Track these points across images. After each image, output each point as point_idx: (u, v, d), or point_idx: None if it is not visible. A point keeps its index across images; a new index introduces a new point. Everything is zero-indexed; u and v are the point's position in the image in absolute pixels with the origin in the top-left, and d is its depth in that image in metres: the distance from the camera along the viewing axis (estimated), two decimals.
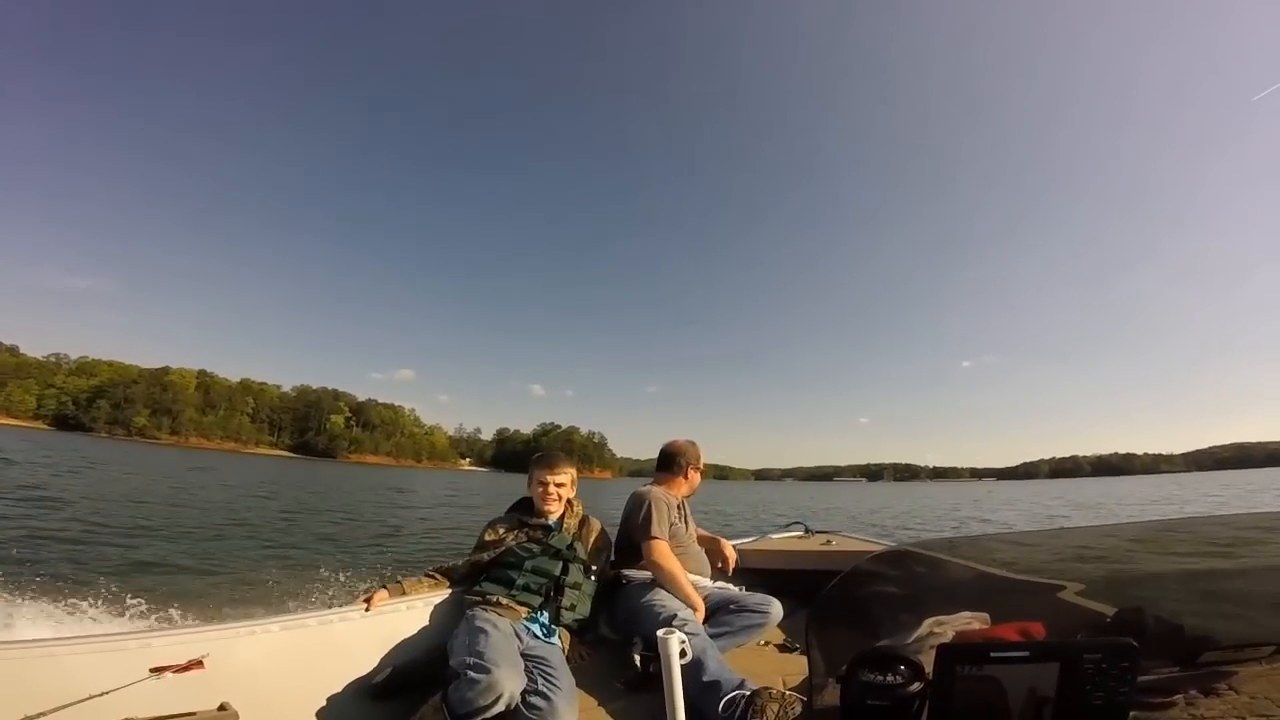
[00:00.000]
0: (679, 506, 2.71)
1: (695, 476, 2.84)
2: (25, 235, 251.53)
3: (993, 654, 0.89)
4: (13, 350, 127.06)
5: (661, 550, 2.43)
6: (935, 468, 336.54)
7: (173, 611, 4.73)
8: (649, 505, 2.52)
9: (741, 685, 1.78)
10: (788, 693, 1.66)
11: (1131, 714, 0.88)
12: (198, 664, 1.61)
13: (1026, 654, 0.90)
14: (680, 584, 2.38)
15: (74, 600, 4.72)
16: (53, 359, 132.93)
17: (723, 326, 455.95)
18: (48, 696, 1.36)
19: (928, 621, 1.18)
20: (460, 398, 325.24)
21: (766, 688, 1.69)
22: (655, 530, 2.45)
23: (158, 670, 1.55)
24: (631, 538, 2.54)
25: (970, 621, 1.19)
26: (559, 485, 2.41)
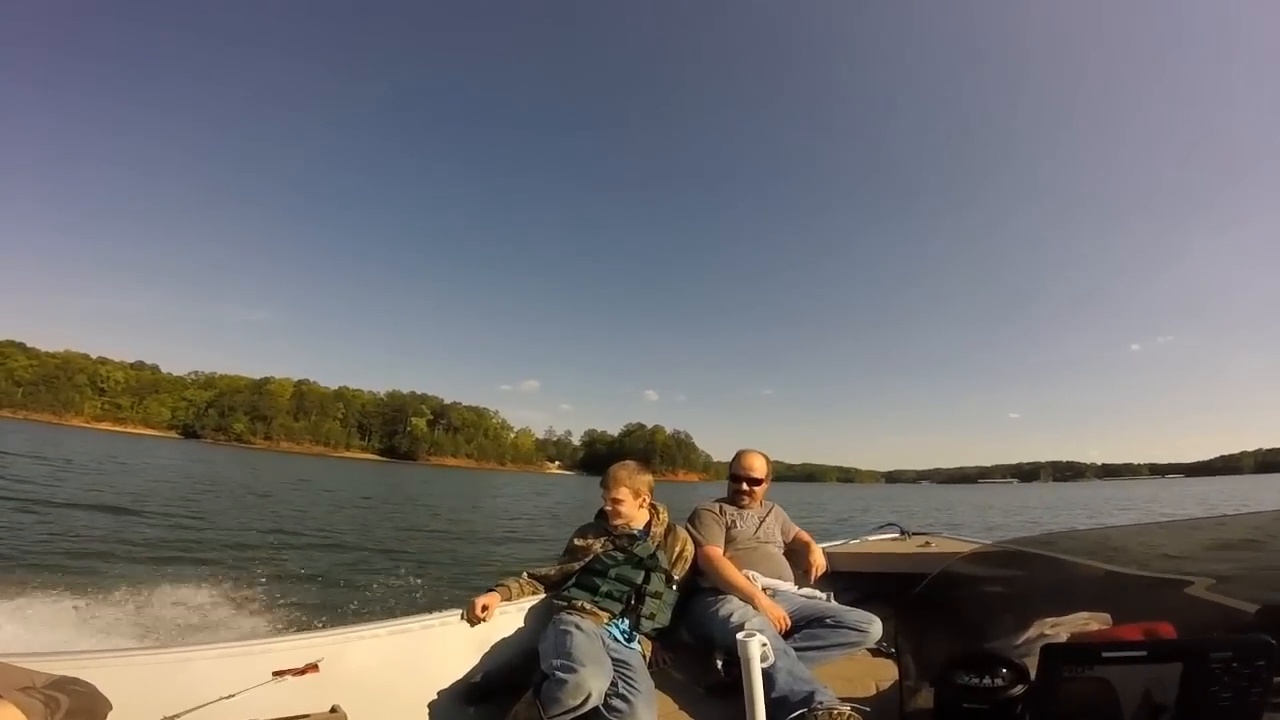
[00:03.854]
0: (732, 510, 2.93)
1: (733, 483, 3.07)
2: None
3: (1105, 654, 0.87)
4: (154, 369, 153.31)
5: (704, 555, 2.69)
6: (1104, 465, 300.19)
7: (289, 616, 5.59)
8: (694, 518, 2.89)
9: (808, 700, 1.77)
10: (846, 710, 1.65)
11: (1266, 718, 0.86)
12: (313, 668, 1.84)
13: (1144, 653, 0.87)
14: (729, 580, 2.56)
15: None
16: (191, 375, 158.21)
17: (847, 322, 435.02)
18: (182, 699, 1.58)
19: (1038, 623, 1.15)
20: (581, 404, 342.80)
21: (824, 707, 1.69)
22: (699, 538, 2.77)
23: (279, 674, 1.78)
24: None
25: (1088, 622, 1.16)
26: (617, 502, 2.60)
